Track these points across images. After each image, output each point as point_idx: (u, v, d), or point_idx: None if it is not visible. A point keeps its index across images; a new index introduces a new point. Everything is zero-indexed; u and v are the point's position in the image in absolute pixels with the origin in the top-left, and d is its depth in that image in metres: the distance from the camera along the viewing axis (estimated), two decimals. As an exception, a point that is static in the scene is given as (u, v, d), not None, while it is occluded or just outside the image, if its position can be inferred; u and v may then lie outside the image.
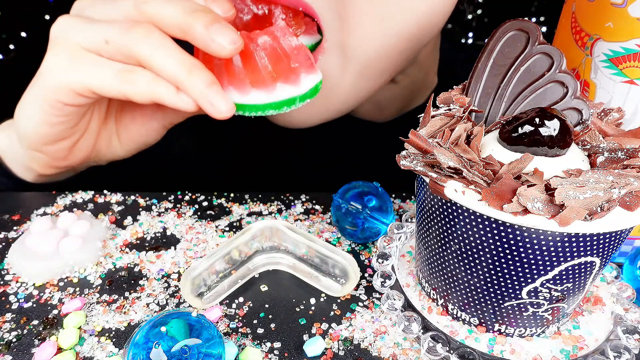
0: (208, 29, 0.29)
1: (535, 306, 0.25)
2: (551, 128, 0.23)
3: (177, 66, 0.30)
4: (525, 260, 0.23)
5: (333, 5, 0.35)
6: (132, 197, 0.42)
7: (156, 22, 0.31)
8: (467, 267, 0.25)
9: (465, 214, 0.24)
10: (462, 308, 0.28)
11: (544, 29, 0.82)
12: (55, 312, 0.31)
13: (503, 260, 0.24)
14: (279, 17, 0.34)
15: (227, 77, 0.32)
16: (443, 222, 0.26)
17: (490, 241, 0.24)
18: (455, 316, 0.28)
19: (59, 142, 0.37)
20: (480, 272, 0.25)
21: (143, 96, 0.32)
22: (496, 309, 0.26)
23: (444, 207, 0.25)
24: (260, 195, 0.43)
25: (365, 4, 0.34)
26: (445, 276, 0.27)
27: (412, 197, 0.43)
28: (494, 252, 0.24)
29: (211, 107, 0.31)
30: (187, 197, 0.43)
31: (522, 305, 0.25)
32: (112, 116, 0.40)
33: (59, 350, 0.28)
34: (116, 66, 0.32)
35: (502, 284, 0.25)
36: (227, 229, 0.39)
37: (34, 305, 0.31)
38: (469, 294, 0.27)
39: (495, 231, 0.23)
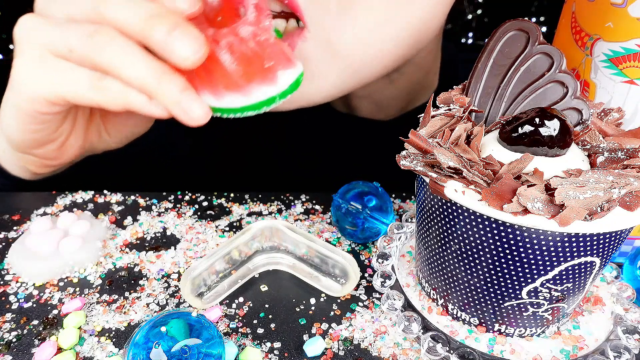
0: (168, 36, 0.27)
1: (535, 306, 0.25)
2: (551, 128, 0.23)
3: (145, 74, 0.29)
4: (525, 260, 0.23)
5: (322, 2, 0.34)
6: (132, 197, 0.42)
7: (116, 26, 0.29)
8: (467, 267, 0.26)
9: (465, 214, 0.24)
10: (462, 308, 0.28)
11: (544, 29, 0.82)
12: (55, 312, 0.31)
13: (503, 260, 0.24)
14: (250, 2, 0.30)
15: (199, 81, 0.30)
16: (443, 222, 0.26)
17: (490, 241, 0.24)
18: (455, 316, 0.28)
19: (45, 145, 0.36)
20: (480, 272, 0.25)
21: (117, 105, 0.31)
22: (496, 309, 0.26)
23: (444, 207, 0.25)
24: (260, 195, 0.43)
25: (362, 8, 0.34)
26: (445, 276, 0.27)
27: (412, 197, 0.43)
28: (494, 252, 0.24)
29: (185, 115, 0.29)
30: (187, 197, 0.43)
31: (522, 305, 0.25)
32: (96, 112, 0.39)
33: (59, 350, 0.28)
34: (87, 74, 0.30)
35: (502, 284, 0.25)
36: (227, 229, 0.39)
37: (34, 305, 0.31)
38: (469, 294, 0.27)
39: (495, 231, 0.23)
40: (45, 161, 0.39)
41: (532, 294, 0.25)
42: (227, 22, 0.30)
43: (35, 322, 0.30)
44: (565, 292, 0.25)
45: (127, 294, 0.32)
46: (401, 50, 0.38)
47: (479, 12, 0.85)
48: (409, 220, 0.36)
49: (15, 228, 0.38)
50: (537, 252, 0.23)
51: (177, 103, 0.29)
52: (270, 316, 0.30)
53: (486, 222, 0.23)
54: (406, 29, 0.36)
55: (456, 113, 0.26)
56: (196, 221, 0.40)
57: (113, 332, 0.29)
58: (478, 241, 0.24)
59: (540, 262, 0.23)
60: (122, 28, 0.29)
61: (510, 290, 0.25)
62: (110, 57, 0.29)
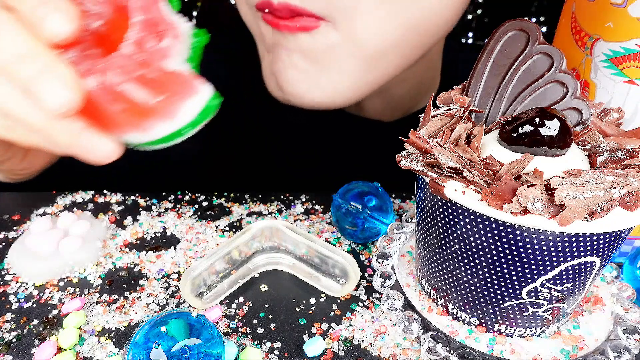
0: (35, 84, 0.23)
1: (535, 306, 0.25)
2: (551, 128, 0.23)
3: (35, 117, 0.25)
4: (525, 260, 0.23)
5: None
6: (132, 197, 0.42)
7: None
8: (467, 267, 0.25)
9: (465, 214, 0.24)
10: (462, 308, 0.28)
11: (544, 29, 0.82)
12: (55, 312, 0.31)
13: (503, 260, 0.24)
14: (132, 30, 0.25)
15: (96, 118, 0.26)
16: (443, 222, 0.26)
17: (490, 241, 0.24)
18: (455, 316, 0.28)
19: (2, 163, 0.34)
20: (480, 272, 0.25)
21: (28, 145, 0.27)
22: (496, 309, 0.26)
23: (444, 207, 0.25)
24: (260, 195, 0.43)
25: None
26: (445, 276, 0.27)
27: (412, 197, 0.43)
28: (494, 252, 0.24)
29: (90, 157, 0.26)
30: (187, 197, 0.43)
31: (522, 305, 0.25)
32: None
33: (59, 350, 0.28)
34: None
35: (502, 284, 0.25)
36: (227, 229, 0.39)
37: (34, 305, 0.31)
38: (469, 294, 0.27)
39: (495, 231, 0.23)
40: (13, 175, 0.37)
41: (532, 294, 0.25)
42: (120, 39, 0.25)
43: (35, 322, 0.30)
44: (565, 292, 0.25)
45: (127, 294, 0.32)
46: (418, 38, 0.38)
47: (479, 12, 0.85)
48: (409, 220, 0.36)
49: (15, 228, 0.38)
50: (537, 252, 0.23)
51: (73, 146, 0.26)
52: (270, 316, 0.30)
53: (486, 222, 0.23)
54: (423, 17, 0.36)
55: (456, 113, 0.26)
56: (196, 221, 0.40)
57: (113, 332, 0.29)
58: (478, 241, 0.24)
59: (540, 262, 0.23)
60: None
61: (510, 290, 0.25)
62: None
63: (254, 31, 0.42)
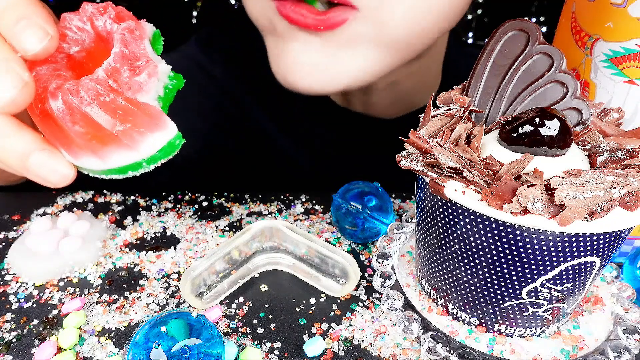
0: (12, 29, 0.24)
1: (535, 306, 0.25)
2: (551, 128, 0.23)
3: None
4: (525, 260, 0.23)
5: None
6: (132, 197, 0.42)
7: None
8: (467, 267, 0.25)
9: (465, 214, 0.24)
10: (462, 308, 0.28)
11: (544, 29, 0.82)
12: (55, 312, 0.31)
13: (503, 260, 0.24)
14: (114, 47, 0.25)
15: (53, 134, 0.26)
16: (443, 222, 0.26)
17: (490, 241, 0.24)
18: (455, 316, 0.28)
19: None
20: (480, 272, 0.25)
21: None
22: (496, 309, 0.26)
23: (444, 207, 0.25)
24: (260, 195, 0.43)
25: None
26: (445, 276, 0.27)
27: (412, 197, 0.43)
28: (494, 252, 0.24)
29: (42, 181, 0.26)
30: (187, 197, 0.43)
31: (522, 305, 0.25)
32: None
33: (59, 350, 0.28)
34: None
35: (502, 284, 0.25)
36: (227, 229, 0.39)
37: (34, 305, 0.31)
38: (469, 294, 0.27)
39: (495, 231, 0.23)
40: (1, 180, 0.37)
41: (532, 294, 0.25)
42: (93, 69, 0.25)
43: (35, 322, 0.30)
44: (565, 292, 0.25)
45: (127, 294, 0.32)
46: (438, 24, 0.37)
47: (479, 12, 0.85)
48: (409, 220, 0.36)
49: (15, 228, 0.38)
50: (537, 252, 0.23)
51: (24, 169, 0.25)
52: (270, 316, 0.30)
53: (486, 222, 0.23)
54: (445, 2, 0.35)
55: (456, 113, 0.26)
56: (196, 221, 0.40)
57: (113, 332, 0.29)
58: (478, 241, 0.24)
59: (540, 262, 0.23)
60: None
61: (510, 290, 0.25)
62: None
63: (261, 24, 0.40)
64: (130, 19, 0.26)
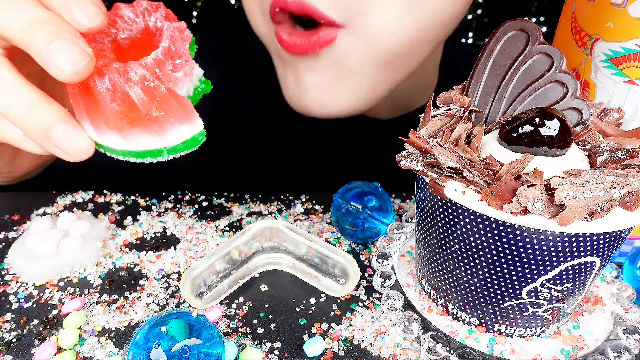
0: (48, 45, 0.24)
1: (535, 306, 0.25)
2: (551, 128, 0.23)
3: (10, 105, 0.25)
4: (525, 260, 0.23)
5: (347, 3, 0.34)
6: (132, 197, 0.42)
7: None
8: (467, 267, 0.26)
9: (465, 214, 0.24)
10: (462, 308, 0.28)
11: (544, 29, 0.82)
12: (55, 312, 0.31)
13: (503, 260, 0.24)
14: (163, 41, 0.27)
15: (86, 108, 0.27)
16: (443, 222, 0.26)
17: (490, 241, 0.24)
18: (455, 316, 0.28)
19: None
20: (480, 272, 0.25)
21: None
22: (496, 309, 0.26)
23: (444, 207, 0.25)
24: (260, 195, 0.43)
25: None
26: (445, 276, 0.27)
27: (412, 197, 0.43)
28: (494, 252, 0.24)
29: (62, 153, 0.26)
30: (187, 197, 0.43)
31: (522, 305, 0.25)
32: None
33: (59, 350, 0.28)
34: None
35: (502, 284, 0.25)
36: (227, 229, 0.39)
37: (34, 305, 0.31)
38: (469, 294, 0.27)
39: (495, 231, 0.23)
40: (1, 175, 0.37)
41: (532, 294, 0.25)
42: (139, 58, 0.27)
43: (35, 322, 0.30)
44: (565, 292, 0.25)
45: (127, 294, 0.32)
46: (432, 33, 0.38)
47: (479, 12, 0.85)
48: (409, 220, 0.36)
49: (15, 228, 0.38)
50: (537, 252, 0.23)
51: (46, 139, 0.26)
52: (270, 316, 0.30)
53: (486, 222, 0.23)
54: (436, 11, 0.36)
55: (456, 113, 0.26)
56: (196, 221, 0.40)
57: (113, 332, 0.29)
58: (478, 241, 0.24)
59: (540, 262, 0.23)
60: (3, 35, 0.26)
61: (510, 290, 0.25)
62: None
63: (268, 43, 0.41)
64: (176, 21, 0.28)
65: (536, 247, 0.23)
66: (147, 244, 0.37)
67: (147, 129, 0.26)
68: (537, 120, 0.23)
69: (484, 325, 0.27)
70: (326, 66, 0.37)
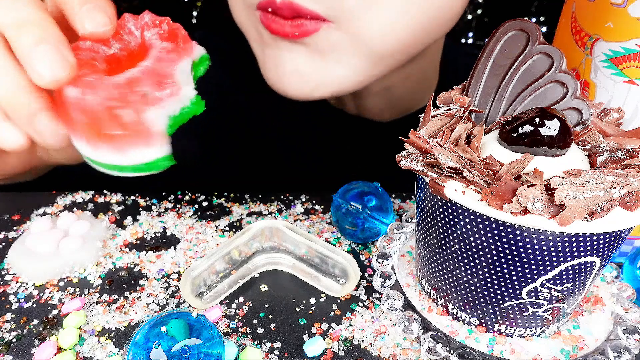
0: (31, 48, 0.25)
1: (535, 306, 0.25)
2: (551, 128, 0.23)
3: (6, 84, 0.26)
4: (525, 260, 0.23)
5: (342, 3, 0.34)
6: (132, 197, 0.42)
7: None
8: (467, 267, 0.26)
9: (465, 214, 0.24)
10: (462, 308, 0.28)
11: (544, 29, 0.82)
12: (55, 312, 0.31)
13: (503, 260, 0.24)
14: (147, 60, 0.27)
15: (60, 109, 0.27)
16: (443, 222, 0.26)
17: (490, 241, 0.24)
18: (455, 316, 0.28)
19: None
20: (480, 272, 0.25)
21: None
22: (496, 309, 0.26)
23: (444, 207, 0.25)
24: (260, 195, 0.43)
25: (383, 1, 0.34)
26: (445, 276, 0.27)
27: (412, 197, 0.43)
28: (494, 252, 0.24)
29: (38, 137, 0.27)
30: (187, 197, 0.43)
31: (522, 305, 0.25)
32: None
33: (59, 350, 0.28)
34: None
35: (502, 284, 0.25)
36: (227, 229, 0.39)
37: (34, 305, 0.31)
38: (469, 294, 0.27)
39: (495, 231, 0.23)
40: None
41: (532, 294, 0.25)
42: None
43: (35, 322, 0.30)
44: (565, 292, 0.25)
45: (127, 294, 0.32)
46: (423, 37, 0.38)
47: (479, 12, 0.85)
48: (409, 220, 0.36)
49: (15, 228, 0.38)
50: (537, 252, 0.23)
51: (29, 123, 0.27)
52: (270, 316, 0.30)
53: (486, 222, 0.23)
54: (429, 16, 0.36)
55: (456, 113, 0.26)
56: (196, 221, 0.40)
57: (113, 332, 0.29)
58: (478, 241, 0.24)
59: (540, 262, 0.23)
60: None
61: (510, 290, 0.25)
62: None
63: (248, 32, 0.41)
64: (182, 39, 0.28)
65: (536, 247, 0.23)
66: (147, 244, 0.37)
67: (109, 144, 0.27)
68: (537, 120, 0.23)
69: (484, 325, 0.27)
70: (309, 51, 0.37)
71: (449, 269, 0.27)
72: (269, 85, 0.41)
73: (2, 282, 0.33)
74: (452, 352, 0.26)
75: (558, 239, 0.22)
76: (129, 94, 0.26)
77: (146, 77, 0.26)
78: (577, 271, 0.24)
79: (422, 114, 0.27)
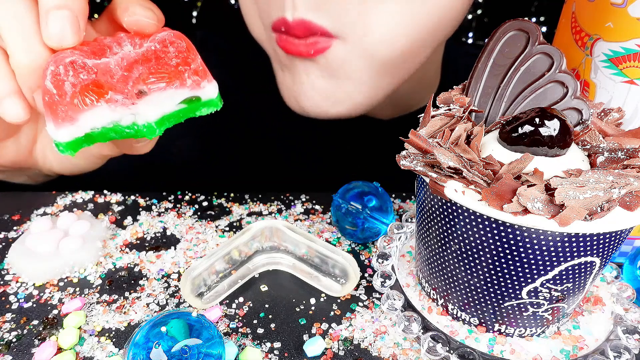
0: (51, 11, 0.26)
1: (535, 306, 0.25)
2: (551, 128, 0.23)
3: None
4: (525, 260, 0.23)
5: (346, 13, 0.35)
6: (132, 197, 0.42)
7: None
8: (467, 267, 0.26)
9: (465, 214, 0.24)
10: (462, 308, 0.28)
11: (544, 29, 0.82)
12: (55, 312, 0.31)
13: (503, 260, 0.24)
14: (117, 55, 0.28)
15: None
16: (443, 222, 0.26)
17: (490, 241, 0.24)
18: (455, 316, 0.28)
19: None
20: (480, 272, 0.25)
21: None
22: (496, 309, 0.26)
23: (444, 207, 0.25)
24: (260, 195, 0.43)
25: (382, 10, 0.35)
26: (445, 276, 0.27)
27: (412, 197, 0.43)
28: (494, 252, 0.24)
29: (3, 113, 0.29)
30: (187, 197, 0.43)
31: (522, 305, 0.25)
32: (20, 129, 0.37)
33: (59, 350, 0.28)
34: None
35: (502, 284, 0.25)
36: (227, 229, 0.39)
37: (34, 305, 0.31)
38: (469, 294, 0.27)
39: (495, 231, 0.23)
40: None
41: (532, 294, 0.25)
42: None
43: (35, 322, 0.30)
44: (565, 292, 0.25)
45: (127, 294, 0.32)
46: (428, 40, 0.39)
47: (479, 12, 0.85)
48: (409, 220, 0.36)
49: (15, 228, 0.38)
50: (537, 252, 0.23)
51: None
52: (270, 316, 0.30)
53: (486, 222, 0.23)
54: (432, 22, 0.37)
55: (456, 113, 0.26)
56: (196, 221, 0.40)
57: (113, 332, 0.29)
58: (478, 241, 0.24)
59: (540, 262, 0.23)
60: None
61: (510, 290, 0.25)
62: None
63: (268, 50, 0.43)
64: (195, 72, 0.31)
65: (536, 247, 0.23)
66: (147, 244, 0.37)
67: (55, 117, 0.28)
68: (537, 120, 0.23)
69: (484, 325, 0.27)
70: (323, 70, 0.38)
71: (449, 269, 0.27)
72: (289, 105, 0.43)
73: (2, 282, 0.33)
74: (452, 352, 0.26)
75: (558, 239, 0.22)
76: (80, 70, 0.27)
77: (134, 66, 0.28)
78: (577, 271, 0.24)
79: (422, 114, 0.27)
